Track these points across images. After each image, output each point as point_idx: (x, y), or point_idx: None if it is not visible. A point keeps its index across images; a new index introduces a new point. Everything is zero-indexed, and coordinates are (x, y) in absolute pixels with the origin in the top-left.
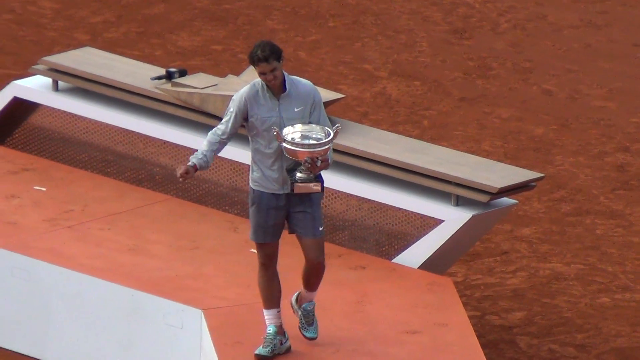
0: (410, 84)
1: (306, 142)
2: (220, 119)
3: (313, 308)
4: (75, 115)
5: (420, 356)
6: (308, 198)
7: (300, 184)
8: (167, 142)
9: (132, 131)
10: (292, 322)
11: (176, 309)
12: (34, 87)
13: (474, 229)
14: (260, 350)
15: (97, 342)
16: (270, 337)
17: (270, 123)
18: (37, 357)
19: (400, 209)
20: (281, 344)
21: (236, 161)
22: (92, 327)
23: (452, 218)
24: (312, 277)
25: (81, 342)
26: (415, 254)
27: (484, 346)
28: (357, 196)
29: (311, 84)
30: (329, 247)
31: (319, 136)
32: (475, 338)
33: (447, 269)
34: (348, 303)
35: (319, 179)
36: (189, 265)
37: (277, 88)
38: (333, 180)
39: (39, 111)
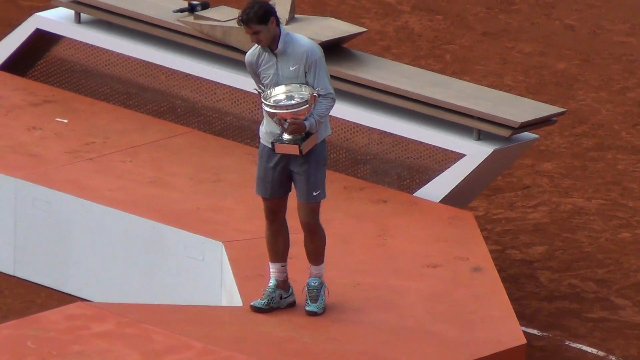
0: (432, 18)
1: (273, 101)
2: (242, 52)
3: (318, 285)
4: (97, 47)
5: (440, 290)
6: (306, 160)
7: (278, 144)
8: (189, 74)
9: (154, 64)
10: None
11: (197, 241)
12: (56, 19)
13: (495, 164)
14: (256, 302)
15: (117, 274)
16: (269, 290)
17: (269, 80)
18: (58, 289)
19: (422, 142)
20: (281, 298)
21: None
22: (112, 259)
23: (474, 152)
24: (307, 243)
25: (101, 274)
26: (437, 188)
27: (504, 280)
28: (378, 130)
29: (310, 43)
30: (351, 181)
31: (301, 96)
32: (496, 272)
33: (468, 203)
34: (369, 237)
35: (301, 141)
36: (210, 198)
37: (272, 46)
38: (355, 113)
39: (61, 43)
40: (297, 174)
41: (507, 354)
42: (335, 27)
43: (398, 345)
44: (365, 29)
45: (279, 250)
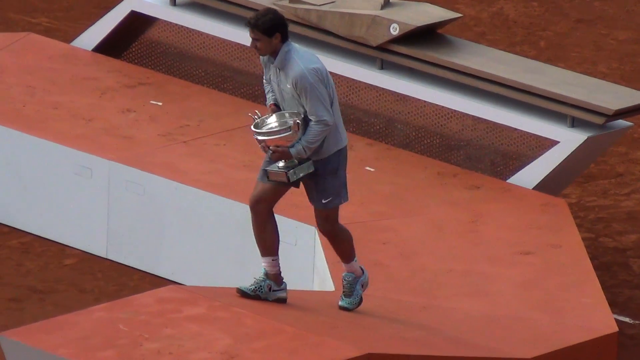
0: (527, 5)
1: (255, 126)
2: (337, 36)
3: (352, 280)
4: (192, 30)
5: (532, 277)
6: (315, 170)
7: (270, 170)
8: None
9: (249, 47)
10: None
11: (290, 226)
12: (151, 1)
13: (589, 151)
14: (243, 285)
15: (209, 258)
16: (260, 278)
17: (274, 87)
18: (150, 272)
19: (515, 129)
20: (269, 289)
21: (351, 78)
22: (205, 242)
23: (568, 139)
24: (331, 245)
25: (194, 257)
26: (530, 175)
27: (596, 268)
28: (472, 116)
29: (301, 70)
30: (444, 167)
31: (284, 124)
32: (588, 260)
33: (561, 190)
34: (462, 223)
35: (287, 168)
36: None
37: (272, 57)
38: (449, 99)
39: (156, 25)
40: (307, 180)
41: (598, 342)
42: (430, 13)
43: (489, 332)
44: (460, 15)
45: (266, 243)
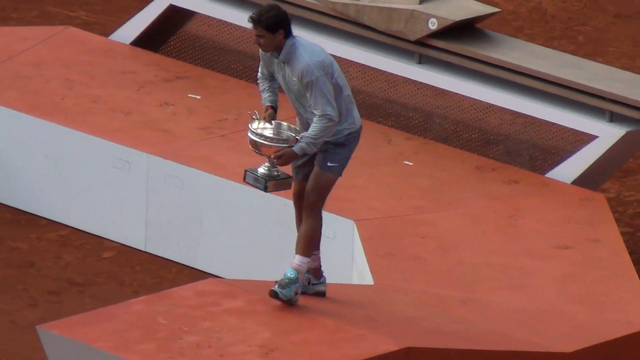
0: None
1: (253, 133)
2: (375, 31)
3: (294, 278)
4: (230, 23)
5: (571, 271)
6: (330, 144)
7: (248, 172)
8: None
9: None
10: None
11: (329, 219)
12: None
13: (627, 146)
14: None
15: (248, 251)
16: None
17: (280, 82)
18: (188, 265)
19: (554, 124)
20: (309, 282)
21: (390, 72)
22: (243, 235)
23: (606, 134)
24: (301, 224)
25: (232, 250)
26: (569, 169)
27: (635, 262)
28: (511, 110)
29: (306, 64)
30: (483, 161)
31: (285, 135)
32: (627, 254)
33: (600, 184)
34: (501, 217)
35: (268, 178)
36: (342, 176)
37: (276, 52)
38: (487, 93)
39: (194, 19)
40: (318, 152)
41: (637, 336)
42: (469, 7)
43: (528, 326)
44: (499, 9)
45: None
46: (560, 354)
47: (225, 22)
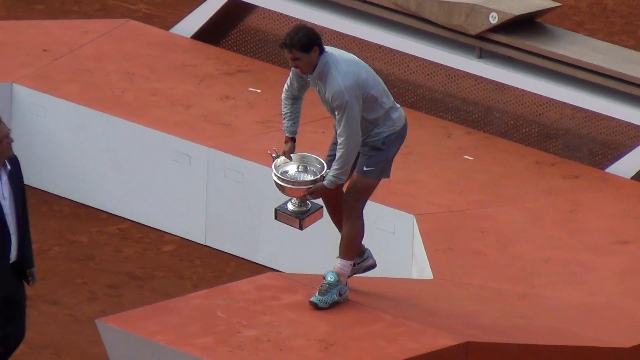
0: None
1: (281, 173)
2: (436, 25)
3: (333, 281)
4: (290, 17)
5: (631, 266)
6: (367, 147)
7: (281, 212)
8: (382, 46)
9: (347, 34)
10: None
11: (388, 214)
12: None
13: None
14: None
15: (308, 246)
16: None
17: (316, 91)
18: (248, 259)
19: (614, 118)
20: (353, 265)
21: (450, 67)
22: (304, 231)
23: None
24: (342, 228)
25: (293, 245)
26: (629, 164)
27: None
28: (571, 105)
29: (338, 88)
30: (543, 156)
31: (314, 172)
32: None
33: None
34: (560, 212)
35: (300, 214)
36: (401, 171)
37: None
38: (547, 88)
39: (255, 13)
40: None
41: None
42: (529, 2)
43: (587, 321)
44: (559, 4)
45: (340, 225)
46: (619, 349)
47: (286, 15)
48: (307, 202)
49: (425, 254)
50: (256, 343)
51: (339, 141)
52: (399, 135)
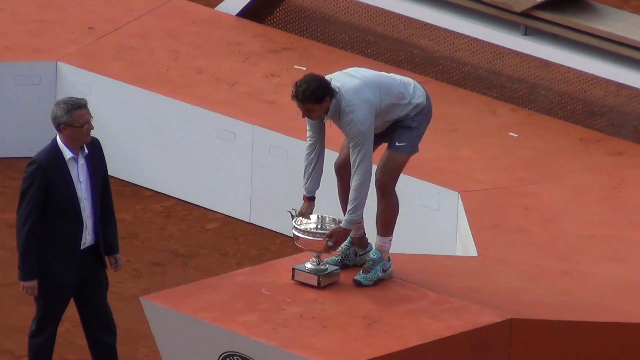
0: None
1: (303, 227)
2: (481, 2)
3: (377, 258)
4: None
5: None
6: (399, 126)
7: (298, 271)
8: (428, 24)
9: (393, 12)
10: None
11: (433, 191)
12: None
13: None
14: (330, 259)
15: None
16: (344, 246)
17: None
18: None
19: None
20: (356, 255)
21: (495, 44)
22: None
23: None
24: (378, 204)
25: None
26: None
27: None
28: (616, 82)
29: (353, 119)
30: (587, 133)
31: (329, 228)
32: None
33: None
34: (605, 188)
35: (318, 272)
36: (446, 148)
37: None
38: (592, 65)
39: None
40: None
41: None
42: None
43: (631, 297)
44: None
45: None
46: None
47: None
48: (326, 263)
49: (470, 231)
50: (300, 320)
51: (353, 171)
52: (428, 111)
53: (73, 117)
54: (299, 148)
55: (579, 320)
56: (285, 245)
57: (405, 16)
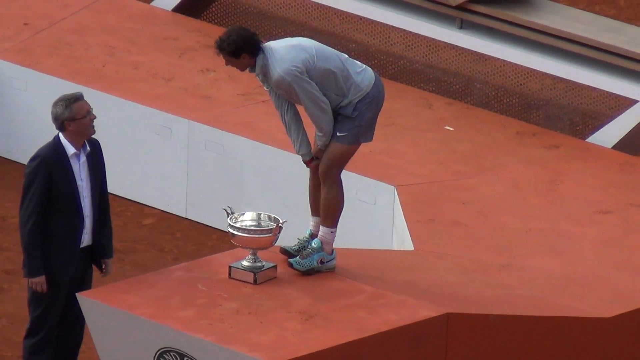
0: None
1: (239, 224)
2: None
3: (316, 249)
4: None
5: (611, 236)
6: (340, 115)
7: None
8: (363, 18)
9: (328, 6)
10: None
11: (369, 185)
12: None
13: None
14: (287, 245)
15: (289, 217)
16: (304, 238)
17: (274, 101)
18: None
19: (594, 88)
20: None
21: (431, 38)
22: (284, 201)
23: None
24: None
25: None
26: (609, 134)
27: None
28: (551, 75)
29: (279, 72)
30: (523, 126)
31: (268, 225)
32: None
33: None
34: (541, 182)
35: (254, 269)
36: (382, 142)
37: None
38: (528, 58)
39: None
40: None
41: None
42: None
43: (568, 291)
44: None
45: (317, 203)
46: (599, 319)
47: None
48: (261, 260)
49: (406, 225)
50: (237, 316)
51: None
52: (373, 98)
53: (74, 110)
54: (234, 143)
55: (515, 314)
56: (221, 240)
57: (341, 10)
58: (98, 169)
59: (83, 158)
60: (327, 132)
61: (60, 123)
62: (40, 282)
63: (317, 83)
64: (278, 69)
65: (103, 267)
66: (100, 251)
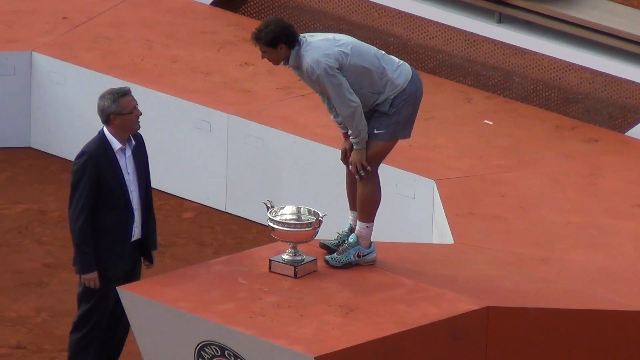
0: None
1: (279, 218)
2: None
3: (353, 244)
4: None
5: None
6: (377, 112)
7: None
8: (402, 12)
9: (367, 0)
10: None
11: (409, 179)
12: None
13: None
14: (326, 240)
15: (328, 211)
16: (343, 232)
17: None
18: None
19: (633, 82)
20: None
21: (469, 32)
22: (323, 194)
23: None
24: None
25: None
26: None
27: None
28: (590, 69)
29: (308, 61)
30: (562, 120)
31: (308, 219)
32: None
33: None
34: (580, 175)
35: (294, 262)
36: (421, 136)
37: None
38: (567, 52)
39: None
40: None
41: None
42: None
43: (607, 284)
44: None
45: (354, 198)
46: (639, 312)
47: None
48: (301, 254)
49: (446, 219)
50: (277, 309)
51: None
52: (410, 95)
53: (121, 105)
54: (274, 136)
55: (555, 307)
56: (261, 234)
57: (380, 4)
58: (143, 162)
59: (129, 152)
60: (355, 132)
61: (106, 116)
62: (93, 278)
63: (350, 79)
64: (309, 58)
65: (148, 258)
66: (149, 243)
